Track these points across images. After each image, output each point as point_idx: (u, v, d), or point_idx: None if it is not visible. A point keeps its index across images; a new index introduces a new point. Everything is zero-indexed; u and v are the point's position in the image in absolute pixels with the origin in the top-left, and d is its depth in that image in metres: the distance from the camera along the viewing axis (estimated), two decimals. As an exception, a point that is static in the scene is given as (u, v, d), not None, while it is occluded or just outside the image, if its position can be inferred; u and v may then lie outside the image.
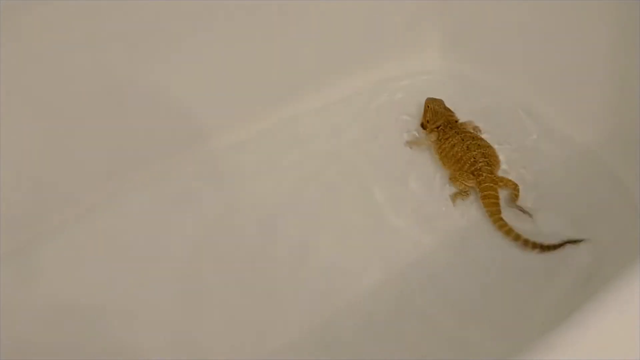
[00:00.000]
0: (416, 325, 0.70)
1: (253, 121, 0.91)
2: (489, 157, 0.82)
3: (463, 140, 0.84)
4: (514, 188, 0.80)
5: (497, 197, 0.78)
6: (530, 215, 0.78)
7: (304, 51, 0.93)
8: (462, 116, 0.91)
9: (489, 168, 0.81)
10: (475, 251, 0.77)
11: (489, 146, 0.85)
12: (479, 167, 0.81)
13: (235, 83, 0.89)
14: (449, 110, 0.90)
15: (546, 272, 0.73)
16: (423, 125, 0.91)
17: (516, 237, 0.74)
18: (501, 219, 0.76)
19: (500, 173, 0.83)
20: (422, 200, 0.83)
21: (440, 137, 0.87)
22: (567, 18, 0.84)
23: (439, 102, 0.91)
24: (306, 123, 0.93)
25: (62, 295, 0.75)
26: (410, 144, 0.90)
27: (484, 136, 0.88)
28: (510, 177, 0.82)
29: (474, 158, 0.81)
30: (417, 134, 0.91)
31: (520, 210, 0.79)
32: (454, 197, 0.82)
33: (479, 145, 0.83)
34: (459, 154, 0.83)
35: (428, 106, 0.90)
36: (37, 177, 0.78)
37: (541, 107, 0.90)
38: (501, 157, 0.85)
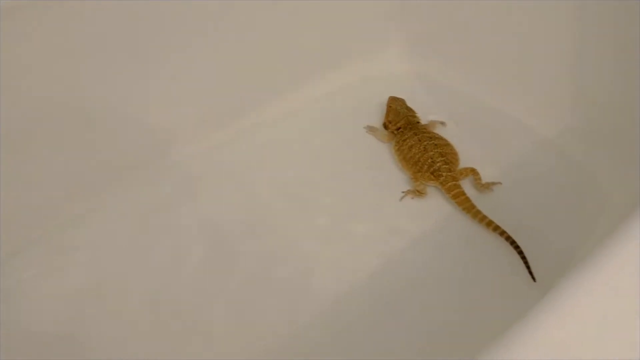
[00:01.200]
0: (406, 323, 0.70)
1: (218, 129, 0.91)
2: (447, 155, 0.83)
3: (420, 141, 0.84)
4: (474, 172, 0.82)
5: (464, 193, 0.79)
6: (499, 183, 0.82)
7: (266, 56, 0.92)
8: (426, 114, 0.92)
9: (447, 167, 0.81)
10: (455, 247, 0.77)
11: (447, 144, 0.86)
12: (437, 168, 0.81)
13: (203, 91, 0.89)
14: (410, 110, 0.91)
15: (518, 263, 0.72)
16: (385, 126, 0.90)
17: (495, 228, 0.74)
18: (479, 212, 0.76)
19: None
20: (397, 200, 0.83)
21: (398, 140, 0.87)
22: (530, 16, 0.85)
23: (401, 102, 0.91)
24: (272, 128, 0.93)
25: (43, 309, 0.74)
26: (370, 129, 0.92)
27: (443, 130, 0.90)
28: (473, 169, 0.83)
29: (432, 159, 0.82)
30: (377, 127, 0.93)
31: (490, 187, 0.81)
32: (407, 193, 0.82)
33: (435, 145, 0.84)
34: (417, 156, 0.83)
35: (390, 106, 0.91)
36: (11, 192, 0.78)
37: (506, 103, 0.91)
38: (469, 154, 0.85)
